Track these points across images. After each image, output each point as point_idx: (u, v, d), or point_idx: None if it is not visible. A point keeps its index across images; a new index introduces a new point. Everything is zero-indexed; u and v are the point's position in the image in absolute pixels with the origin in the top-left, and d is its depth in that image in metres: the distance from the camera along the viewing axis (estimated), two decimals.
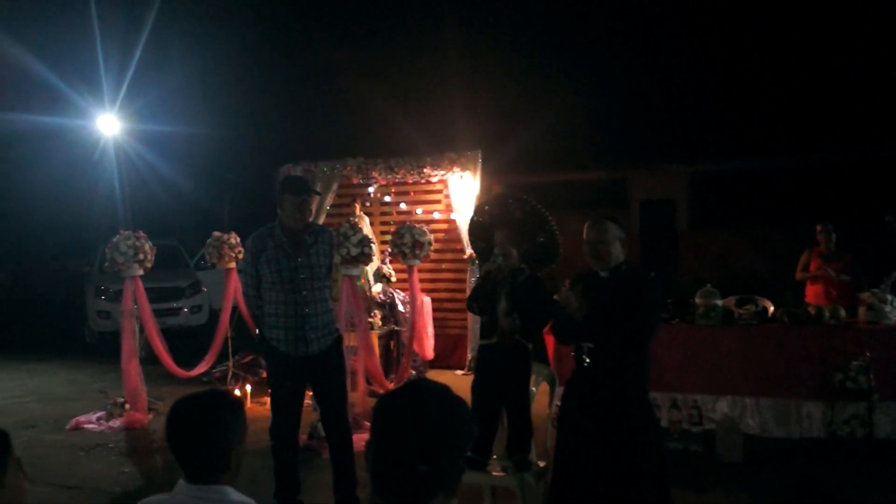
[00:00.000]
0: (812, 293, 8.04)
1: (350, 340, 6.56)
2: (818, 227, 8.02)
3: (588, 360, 3.80)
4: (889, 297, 6.66)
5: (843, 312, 6.70)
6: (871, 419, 6.11)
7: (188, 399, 2.26)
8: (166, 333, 8.39)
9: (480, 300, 4.55)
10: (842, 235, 8.06)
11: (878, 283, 6.98)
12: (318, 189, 9.07)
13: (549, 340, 6.58)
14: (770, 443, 6.40)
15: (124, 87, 14.75)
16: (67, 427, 7.39)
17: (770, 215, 15.71)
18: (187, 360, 8.54)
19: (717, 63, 17.89)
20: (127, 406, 7.54)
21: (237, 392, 7.74)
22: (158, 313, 8.78)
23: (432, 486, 1.61)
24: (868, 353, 6.15)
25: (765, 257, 14.47)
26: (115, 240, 7.55)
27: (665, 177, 16.74)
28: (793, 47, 17.03)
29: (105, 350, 11.28)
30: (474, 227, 5.03)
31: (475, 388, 4.48)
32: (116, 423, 7.39)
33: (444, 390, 1.71)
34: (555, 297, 3.94)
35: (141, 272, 7.63)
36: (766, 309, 7.00)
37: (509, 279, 4.42)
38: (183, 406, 2.23)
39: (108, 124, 12.63)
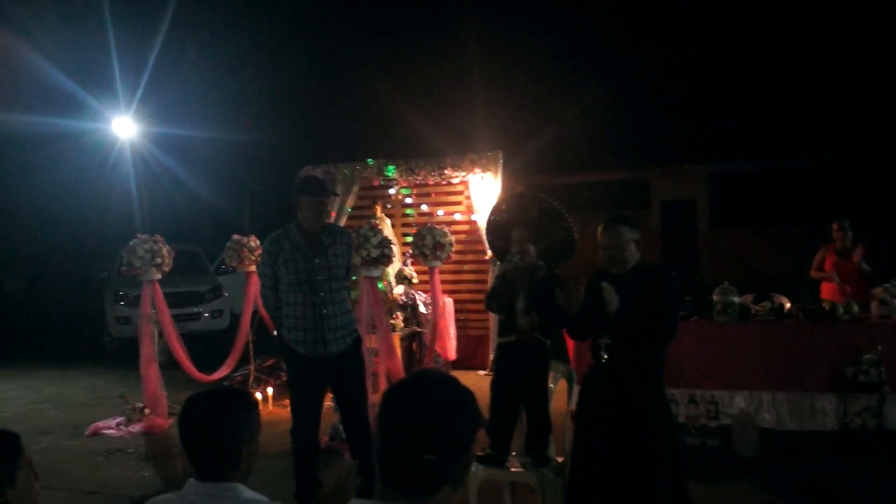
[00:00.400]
0: (827, 289, 8.07)
1: (371, 342, 6.58)
2: (835, 225, 8.05)
3: (606, 357, 3.81)
4: None
5: (856, 308, 6.79)
6: (881, 411, 6.21)
7: (201, 395, 2.27)
8: (187, 338, 8.41)
9: (498, 299, 4.57)
10: (857, 232, 8.07)
11: (891, 278, 7.04)
12: (336, 191, 9.10)
13: (569, 338, 6.60)
14: (785, 436, 6.45)
15: (140, 90, 14.86)
16: (86, 433, 7.39)
17: (788, 214, 15.70)
18: (208, 365, 8.55)
19: (735, 64, 17.85)
20: (146, 411, 7.56)
21: (258, 395, 7.76)
22: (179, 318, 8.81)
23: (439, 475, 1.63)
24: (879, 347, 6.28)
25: (783, 255, 14.44)
26: (132, 244, 7.55)
27: (685, 177, 16.77)
28: (810, 47, 16.95)
29: (125, 356, 11.22)
30: (492, 226, 5.06)
31: (494, 385, 4.52)
32: (136, 428, 7.38)
33: (450, 381, 1.73)
34: (561, 296, 3.96)
35: (158, 276, 7.63)
36: (782, 305, 7.06)
37: (527, 277, 4.44)
38: (195, 402, 2.24)
39: (123, 127, 12.71)
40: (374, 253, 6.66)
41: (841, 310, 6.70)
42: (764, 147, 16.41)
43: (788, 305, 7.09)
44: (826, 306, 6.82)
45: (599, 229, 3.89)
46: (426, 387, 1.70)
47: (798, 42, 17.03)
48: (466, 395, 1.72)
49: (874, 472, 5.50)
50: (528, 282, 4.43)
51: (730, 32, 17.90)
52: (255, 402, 2.40)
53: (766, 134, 16.55)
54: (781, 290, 7.79)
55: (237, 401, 2.27)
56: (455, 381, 1.73)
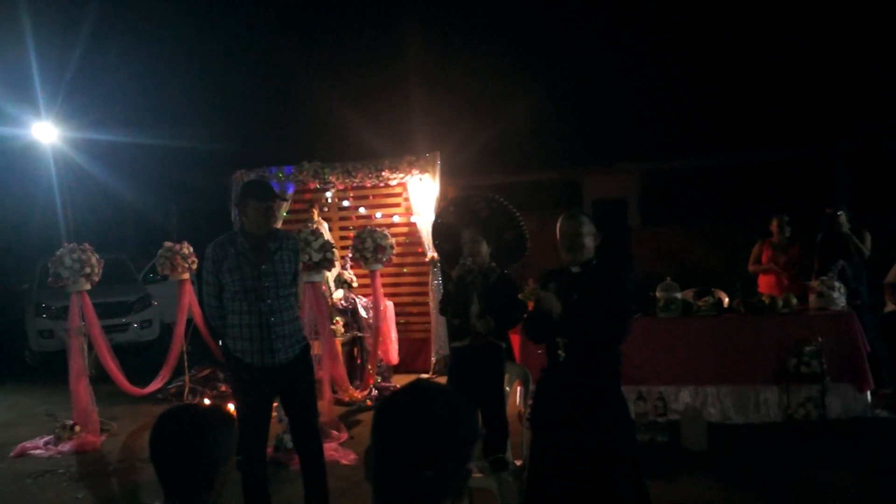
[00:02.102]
0: (765, 283, 8.29)
1: (314, 348, 6.44)
2: (774, 220, 8.26)
3: (563, 355, 3.77)
4: (836, 285, 6.96)
5: (794, 301, 6.99)
6: (823, 401, 6.41)
7: (175, 410, 2.17)
8: (116, 350, 8.10)
9: (453, 304, 4.49)
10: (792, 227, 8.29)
11: (826, 271, 7.34)
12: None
13: (516, 339, 6.57)
14: (731, 429, 6.58)
15: (62, 94, 14.33)
16: (11, 454, 6.99)
17: (717, 210, 16.11)
18: (141, 377, 8.29)
19: (664, 65, 18.25)
20: (77, 428, 7.20)
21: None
22: (106, 330, 8.50)
23: (438, 491, 1.55)
24: (819, 339, 6.46)
25: (714, 251, 14.81)
26: (58, 253, 7.23)
27: (617, 176, 17.06)
28: (736, 48, 17.45)
29: (49, 371, 10.78)
30: (439, 228, 4.98)
31: None
32: (66, 446, 7.03)
33: (447, 391, 1.65)
34: (519, 296, 3.90)
35: (88, 287, 7.33)
36: (722, 300, 7.21)
37: (480, 280, 4.38)
38: (169, 419, 2.12)
39: (44, 132, 12.22)
40: (316, 257, 6.55)
41: (780, 303, 6.88)
42: (692, 146, 16.83)
43: (726, 300, 7.24)
44: (766, 300, 6.98)
45: (561, 218, 3.91)
46: (425, 399, 1.60)
47: (724, 43, 17.51)
48: (465, 405, 1.63)
49: (818, 461, 5.64)
50: (481, 285, 4.37)
51: (658, 35, 18.31)
52: (232, 418, 2.27)
53: (694, 133, 16.98)
54: (713, 284, 8.03)
55: (211, 418, 2.15)
56: (452, 392, 1.64)
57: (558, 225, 3.90)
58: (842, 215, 7.76)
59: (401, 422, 1.58)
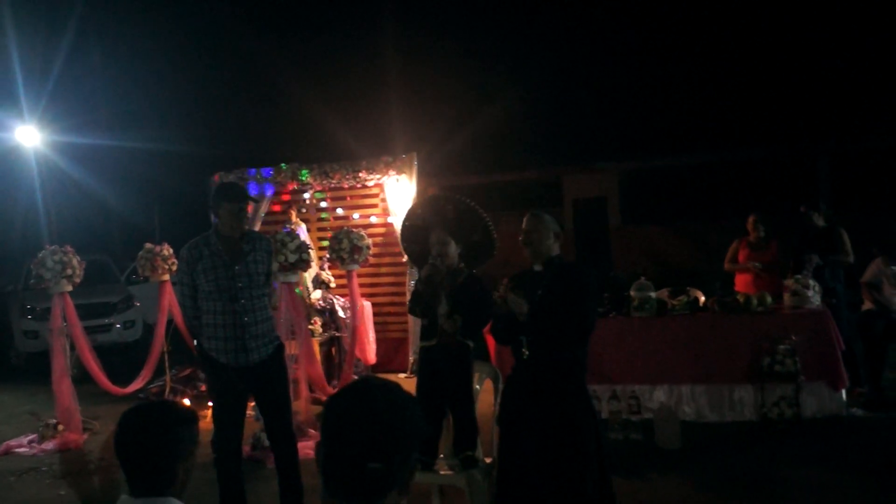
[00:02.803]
0: (741, 282, 8.23)
1: (291, 348, 6.50)
2: (751, 218, 8.18)
3: (527, 353, 3.83)
4: (811, 283, 6.94)
5: (769, 299, 6.96)
6: (797, 400, 6.38)
7: (140, 408, 2.23)
8: (99, 350, 8.18)
9: (422, 303, 4.56)
10: (769, 225, 8.29)
11: (801, 269, 7.25)
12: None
13: (490, 338, 6.62)
14: (706, 428, 6.57)
15: (45, 98, 14.33)
16: None
17: (697, 209, 16.16)
18: (122, 377, 8.35)
19: (644, 64, 18.30)
20: (60, 427, 7.29)
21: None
22: (89, 330, 8.57)
23: (384, 483, 1.62)
24: (794, 337, 6.44)
25: (694, 250, 14.87)
26: (40, 255, 7.32)
27: (597, 175, 17.08)
28: (713, 47, 17.52)
29: (33, 371, 10.86)
30: (407, 231, 5.05)
31: (419, 388, 4.51)
32: (49, 445, 7.13)
33: (392, 386, 1.71)
34: (494, 297, 3.97)
35: (69, 288, 7.40)
36: (697, 299, 7.21)
37: (448, 280, 4.45)
38: (132, 416, 2.20)
39: (27, 135, 12.25)
40: (292, 258, 6.60)
41: (755, 301, 6.86)
42: (672, 145, 16.87)
43: (703, 299, 7.24)
44: (741, 299, 6.98)
45: (524, 218, 3.95)
46: (369, 393, 1.67)
47: (701, 43, 17.58)
48: (410, 400, 1.70)
49: (793, 460, 5.65)
50: (449, 285, 4.44)
51: (637, 34, 18.37)
52: (195, 416, 2.34)
53: (673, 132, 17.03)
54: (693, 282, 7.98)
55: (176, 416, 2.23)
56: (398, 387, 1.71)
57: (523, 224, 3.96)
58: (815, 214, 7.65)
59: (347, 415, 1.64)
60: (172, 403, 2.36)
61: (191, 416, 2.28)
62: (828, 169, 16.26)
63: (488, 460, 4.53)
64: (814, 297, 6.86)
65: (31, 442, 7.27)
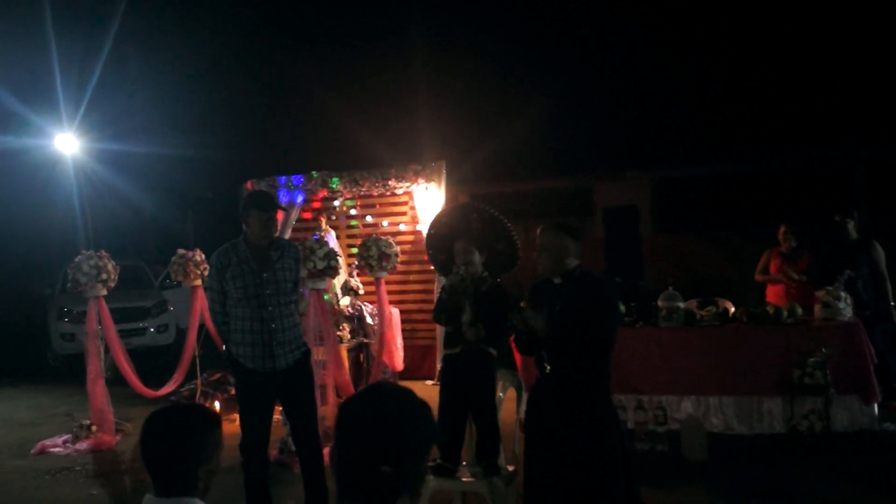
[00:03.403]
0: (773, 293, 8.13)
1: (319, 354, 6.57)
2: (782, 228, 8.08)
3: (549, 367, 3.83)
4: (843, 295, 6.81)
5: (800, 311, 6.87)
6: (828, 413, 6.27)
7: (163, 412, 2.29)
8: (132, 354, 8.33)
9: (446, 311, 4.60)
10: (801, 235, 8.18)
11: (833, 281, 7.12)
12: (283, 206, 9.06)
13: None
14: (733, 440, 6.52)
15: (83, 106, 14.60)
16: (32, 452, 7.28)
17: (730, 218, 15.99)
18: (155, 380, 8.48)
19: (676, 71, 18.17)
20: (93, 428, 7.45)
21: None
22: (124, 334, 8.73)
23: (396, 487, 1.66)
24: (824, 350, 6.32)
25: (726, 259, 14.69)
26: (76, 260, 7.49)
27: (628, 184, 16.98)
28: (748, 54, 17.36)
29: (70, 373, 11.16)
30: (432, 239, 5.08)
31: (442, 396, 4.55)
32: (83, 445, 7.29)
33: (405, 393, 1.75)
34: (512, 320, 3.96)
35: (104, 292, 7.57)
36: (726, 310, 7.14)
37: (472, 289, 4.48)
38: (156, 419, 2.26)
39: (66, 143, 12.49)
40: (321, 265, 6.66)
41: (785, 313, 6.79)
42: (705, 153, 16.70)
43: (733, 310, 7.16)
44: (770, 310, 6.90)
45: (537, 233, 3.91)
46: (383, 399, 1.72)
47: (737, 49, 17.43)
48: (422, 406, 1.74)
49: (822, 474, 5.56)
50: (473, 293, 4.47)
51: (669, 40, 18.24)
52: (218, 420, 2.39)
53: (707, 140, 16.85)
54: (726, 293, 7.87)
55: (199, 420, 2.28)
56: (411, 393, 1.75)
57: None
58: (850, 223, 7.51)
59: (361, 420, 1.69)
60: (196, 407, 2.41)
61: (213, 420, 2.33)
62: (864, 177, 16.01)
63: (511, 468, 4.54)
64: (845, 309, 6.75)
65: (65, 442, 7.43)
